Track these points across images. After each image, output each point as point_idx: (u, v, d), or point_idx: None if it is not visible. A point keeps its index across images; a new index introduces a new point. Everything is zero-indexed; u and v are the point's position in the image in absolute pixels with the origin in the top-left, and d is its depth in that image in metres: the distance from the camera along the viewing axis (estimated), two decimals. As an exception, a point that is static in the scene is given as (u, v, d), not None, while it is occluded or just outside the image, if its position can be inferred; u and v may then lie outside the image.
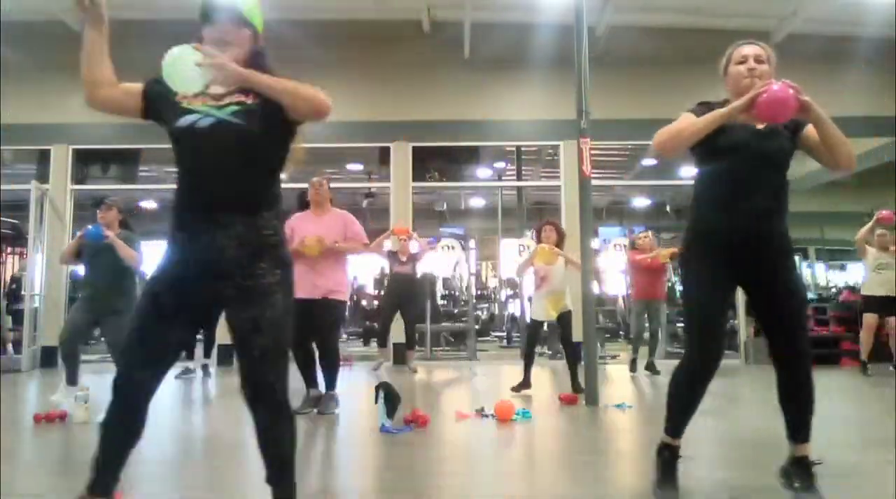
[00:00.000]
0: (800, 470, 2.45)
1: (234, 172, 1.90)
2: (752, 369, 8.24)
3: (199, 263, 1.88)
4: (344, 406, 4.79)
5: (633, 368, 7.20)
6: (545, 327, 6.19)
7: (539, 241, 5.79)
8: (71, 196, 9.10)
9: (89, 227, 4.94)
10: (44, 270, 8.53)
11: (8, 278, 10.74)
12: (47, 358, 8.19)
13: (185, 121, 1.90)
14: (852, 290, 10.09)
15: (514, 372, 5.90)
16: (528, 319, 6.47)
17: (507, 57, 8.80)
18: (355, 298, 13.98)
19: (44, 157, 9.38)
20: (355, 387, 6.42)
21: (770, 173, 2.42)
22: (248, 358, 1.91)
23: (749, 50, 2.48)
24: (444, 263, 13.20)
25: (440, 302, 11.66)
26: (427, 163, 10.48)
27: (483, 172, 13.53)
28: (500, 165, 13.53)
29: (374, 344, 8.29)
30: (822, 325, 9.58)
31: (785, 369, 2.45)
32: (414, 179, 9.31)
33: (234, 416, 4.56)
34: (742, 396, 5.82)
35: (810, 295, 12.42)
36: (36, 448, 3.80)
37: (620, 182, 13.31)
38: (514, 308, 12.63)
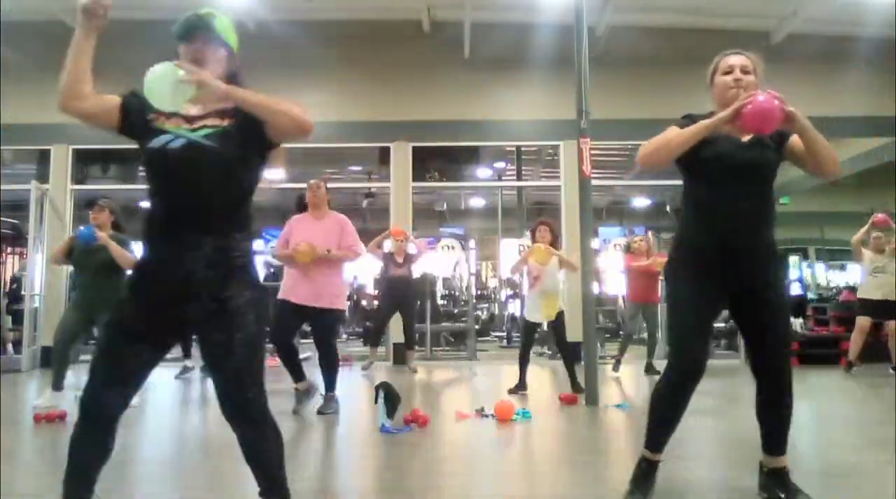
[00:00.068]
0: (779, 481, 2.45)
1: (205, 194, 1.90)
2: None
3: (169, 285, 1.88)
4: (344, 406, 4.79)
5: (615, 367, 7.14)
6: (544, 327, 6.16)
7: (534, 241, 5.79)
8: (71, 196, 9.10)
9: (82, 228, 4.96)
10: (44, 270, 8.52)
11: (8, 278, 10.75)
12: (47, 358, 8.16)
13: (157, 141, 1.89)
14: (852, 290, 10.08)
15: (515, 372, 5.90)
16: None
17: (507, 57, 8.79)
18: (355, 297, 13.98)
19: (44, 157, 9.38)
20: (355, 387, 6.42)
21: (755, 186, 2.41)
22: (224, 378, 1.92)
23: (735, 60, 2.46)
24: (444, 263, 13.21)
25: (440, 302, 11.65)
26: (427, 163, 10.48)
27: (483, 172, 13.54)
28: (500, 165, 13.54)
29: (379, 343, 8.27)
30: (822, 325, 9.58)
31: (765, 383, 2.46)
32: (414, 179, 9.30)
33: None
34: (742, 396, 5.80)
35: (810, 295, 12.44)
36: (36, 448, 3.80)
37: (620, 182, 13.32)
38: (514, 308, 12.62)
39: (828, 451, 3.71)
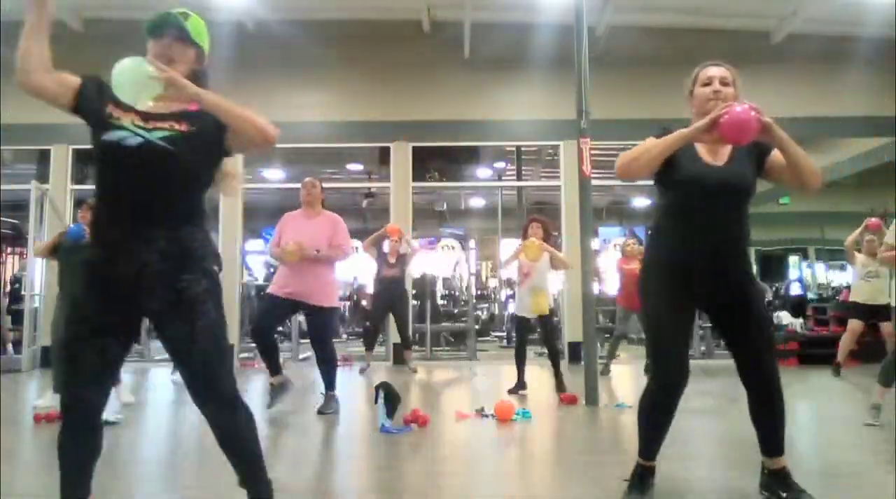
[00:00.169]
0: (781, 482, 2.46)
1: (157, 191, 1.91)
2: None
3: (124, 278, 1.89)
4: (344, 406, 4.79)
5: (605, 370, 7.01)
6: (532, 322, 6.14)
7: (525, 238, 5.80)
8: (71, 196, 9.09)
9: (71, 226, 4.98)
10: (44, 270, 8.52)
11: (8, 278, 10.75)
12: (47, 358, 8.18)
13: (113, 135, 1.90)
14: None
15: (514, 372, 5.90)
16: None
17: (507, 57, 8.79)
18: (355, 298, 13.99)
19: (44, 157, 9.38)
20: (355, 387, 6.42)
21: (729, 208, 2.41)
22: (191, 366, 1.94)
23: (715, 71, 2.46)
24: (444, 263, 13.22)
25: (440, 302, 11.65)
26: (427, 163, 10.48)
27: (483, 172, 13.54)
28: (500, 165, 13.54)
29: (375, 345, 8.26)
30: (822, 325, 9.58)
31: (754, 391, 2.48)
32: (414, 179, 9.30)
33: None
34: (742, 396, 5.79)
35: (810, 295, 12.44)
36: (36, 448, 3.80)
37: (620, 182, 13.30)
38: (514, 308, 12.61)
39: (828, 451, 3.71)
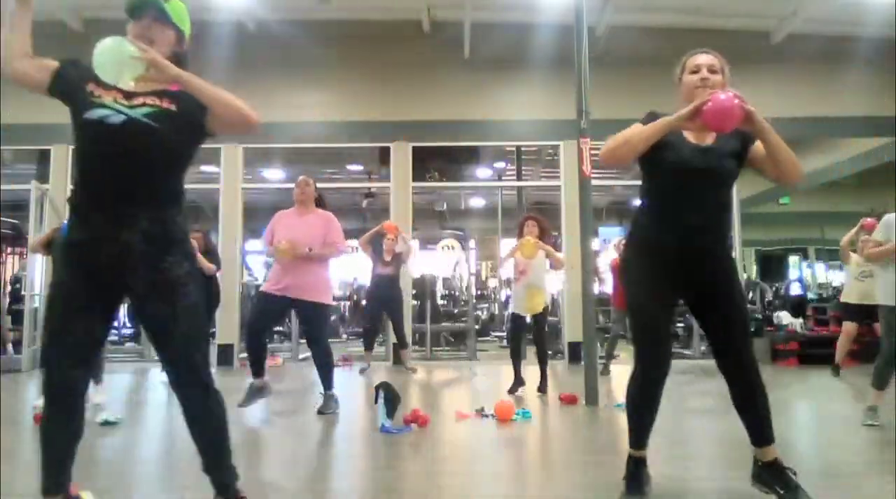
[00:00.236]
0: (774, 474, 2.45)
1: (140, 170, 1.93)
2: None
3: (106, 259, 1.90)
4: (344, 406, 4.79)
5: (604, 371, 7.01)
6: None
7: (521, 235, 5.80)
8: (71, 196, 9.09)
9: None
10: (44, 270, 8.52)
11: (8, 278, 10.75)
12: (47, 358, 8.19)
13: (95, 114, 1.91)
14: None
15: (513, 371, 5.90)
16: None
17: (507, 57, 8.79)
18: (355, 297, 14.00)
19: (44, 157, 9.38)
20: (355, 387, 6.42)
21: (713, 190, 2.43)
22: (169, 347, 1.97)
23: (703, 59, 2.47)
24: (444, 263, 13.22)
25: (440, 302, 11.65)
26: (427, 163, 10.48)
27: (483, 172, 13.54)
28: (500, 165, 13.54)
29: (374, 345, 8.26)
30: (822, 325, 9.58)
31: (733, 382, 2.47)
32: (414, 179, 9.30)
33: (232, 416, 4.56)
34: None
35: (810, 295, 12.43)
36: (36, 448, 3.79)
37: (620, 182, 13.32)
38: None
39: (828, 451, 3.72)
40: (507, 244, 12.86)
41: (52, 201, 8.67)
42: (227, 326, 8.83)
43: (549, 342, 9.65)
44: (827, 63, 8.79)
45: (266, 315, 4.74)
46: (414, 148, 9.23)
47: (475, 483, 3.01)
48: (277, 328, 10.86)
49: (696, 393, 5.75)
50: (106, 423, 4.15)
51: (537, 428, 4.30)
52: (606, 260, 12.30)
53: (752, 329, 9.23)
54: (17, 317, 8.74)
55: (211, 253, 7.57)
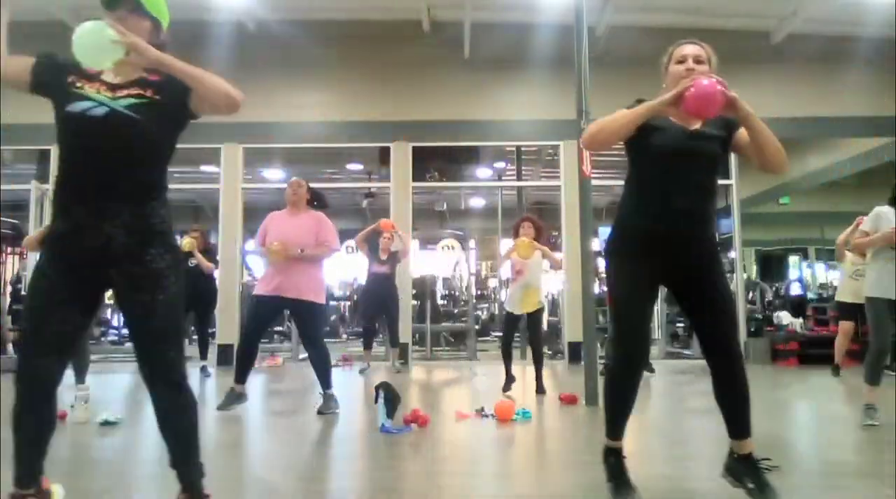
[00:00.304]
0: (747, 468, 2.43)
1: (124, 162, 1.92)
2: (751, 369, 8.18)
3: (89, 251, 1.91)
4: (344, 406, 4.79)
5: (604, 370, 7.09)
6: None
7: (517, 236, 5.81)
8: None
9: None
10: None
11: (9, 278, 10.75)
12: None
13: (77, 106, 1.90)
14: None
15: (514, 372, 5.90)
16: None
17: (507, 57, 8.80)
18: (355, 297, 13.99)
19: (44, 157, 9.39)
20: (355, 387, 6.42)
21: (698, 176, 2.42)
22: (146, 340, 1.97)
23: (689, 50, 2.47)
24: (444, 263, 13.22)
25: (440, 302, 11.66)
26: (427, 163, 10.48)
27: (483, 172, 13.54)
28: (500, 165, 13.54)
29: (373, 344, 8.26)
30: (822, 325, 9.58)
31: (717, 371, 2.46)
32: (414, 179, 9.30)
33: (232, 416, 4.57)
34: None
35: (810, 295, 12.43)
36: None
37: (620, 182, 13.30)
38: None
39: (828, 451, 3.71)
40: (507, 244, 12.86)
41: (52, 201, 8.67)
42: (227, 326, 8.83)
43: (550, 342, 9.70)
44: (827, 63, 8.80)
45: (261, 320, 4.75)
46: (414, 148, 9.23)
47: (475, 483, 3.01)
48: (277, 328, 10.87)
49: (696, 393, 5.75)
50: (106, 423, 4.15)
51: (537, 428, 4.30)
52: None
53: (752, 329, 9.31)
54: (17, 317, 8.74)
55: (209, 252, 7.58)
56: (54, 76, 1.96)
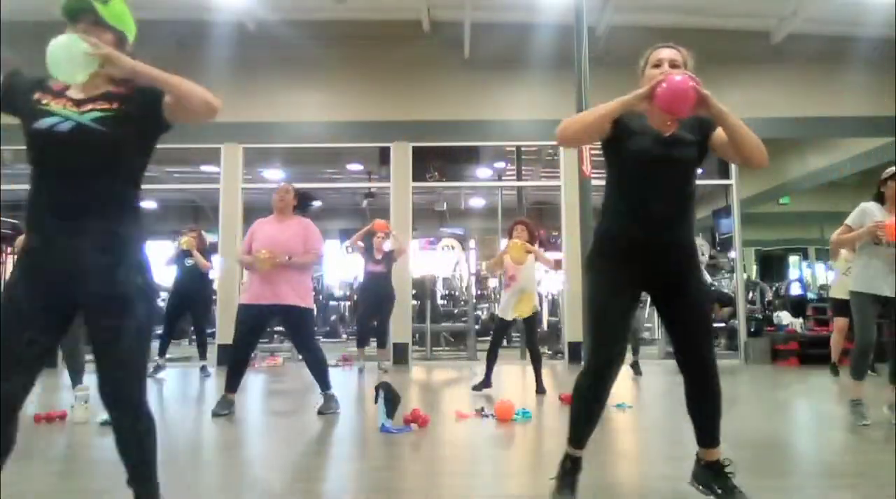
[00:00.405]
0: (714, 475, 2.45)
1: (93, 178, 1.89)
2: (751, 369, 8.25)
3: (59, 270, 1.87)
4: (344, 406, 4.79)
5: (636, 370, 7.19)
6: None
7: (510, 239, 5.81)
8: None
9: None
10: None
11: (9, 278, 10.76)
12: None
13: (43, 123, 1.89)
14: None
15: (514, 372, 5.92)
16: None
17: (507, 57, 8.80)
18: (355, 298, 13.99)
19: (44, 157, 9.38)
20: (355, 387, 6.42)
21: (676, 182, 2.41)
22: (108, 366, 1.92)
23: (665, 53, 2.45)
24: (444, 263, 13.21)
25: (440, 302, 11.66)
26: (427, 163, 10.48)
27: (483, 172, 13.53)
28: (500, 165, 13.54)
29: (373, 344, 8.26)
30: (822, 325, 9.58)
31: (691, 377, 2.44)
32: (414, 179, 9.31)
33: (232, 417, 4.57)
34: (742, 396, 5.82)
35: (810, 295, 12.42)
36: (36, 448, 3.80)
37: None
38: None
39: (827, 451, 3.71)
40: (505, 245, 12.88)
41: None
42: (226, 326, 8.83)
43: (550, 342, 9.71)
44: (827, 63, 8.80)
45: (250, 328, 4.71)
46: (414, 148, 9.24)
47: (475, 483, 3.01)
48: (277, 328, 10.86)
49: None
50: (105, 423, 4.15)
51: (537, 428, 4.30)
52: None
53: (752, 329, 9.30)
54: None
55: (206, 252, 7.59)
56: (20, 94, 1.95)
